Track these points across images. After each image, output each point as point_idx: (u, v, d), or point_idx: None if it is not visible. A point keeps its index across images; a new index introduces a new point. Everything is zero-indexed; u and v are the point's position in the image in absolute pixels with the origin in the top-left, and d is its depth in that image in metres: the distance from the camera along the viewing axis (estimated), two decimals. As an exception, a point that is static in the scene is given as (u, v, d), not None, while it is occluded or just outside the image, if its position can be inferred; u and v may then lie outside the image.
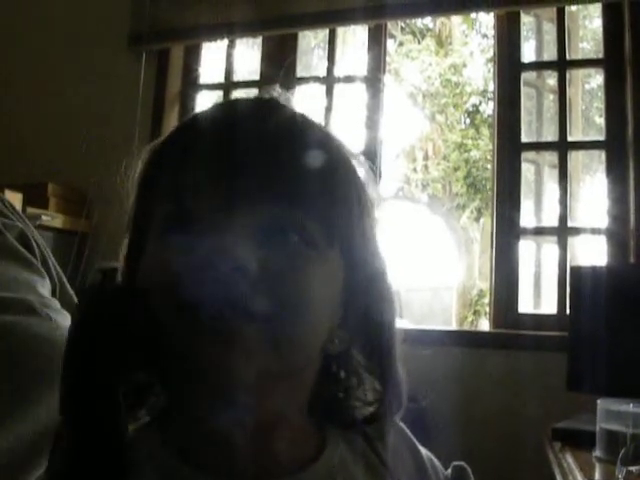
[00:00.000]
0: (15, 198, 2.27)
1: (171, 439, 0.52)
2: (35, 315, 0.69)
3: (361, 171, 0.58)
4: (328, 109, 2.68)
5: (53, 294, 0.78)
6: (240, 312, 0.47)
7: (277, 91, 0.58)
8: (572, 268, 2.11)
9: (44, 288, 0.75)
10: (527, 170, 2.64)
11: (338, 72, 2.77)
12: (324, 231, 0.52)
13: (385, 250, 0.59)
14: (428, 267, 9.42)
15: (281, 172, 0.51)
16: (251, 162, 0.51)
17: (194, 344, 0.48)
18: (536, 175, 2.74)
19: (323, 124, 0.58)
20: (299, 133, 0.54)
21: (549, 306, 2.49)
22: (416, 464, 0.61)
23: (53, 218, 2.47)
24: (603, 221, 2.32)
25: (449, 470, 0.63)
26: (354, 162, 0.58)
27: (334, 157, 0.56)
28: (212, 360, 0.48)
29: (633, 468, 1.17)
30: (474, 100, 8.32)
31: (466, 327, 7.85)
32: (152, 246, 0.53)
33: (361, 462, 0.57)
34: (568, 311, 2.05)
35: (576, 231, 2.45)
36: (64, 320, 0.73)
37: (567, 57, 2.50)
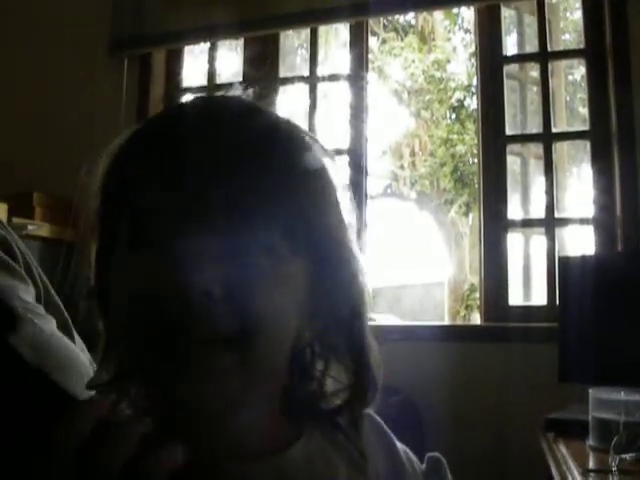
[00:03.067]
0: (0, 208, 2.26)
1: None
2: (18, 320, 0.68)
3: (330, 169, 0.57)
4: (312, 108, 2.68)
5: (37, 300, 0.77)
6: (209, 337, 0.47)
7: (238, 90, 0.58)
8: (560, 259, 2.11)
9: (28, 294, 0.75)
10: (513, 163, 2.65)
11: (321, 71, 2.77)
12: (286, 238, 0.51)
13: (354, 243, 0.58)
14: (419, 263, 9.45)
15: (236, 186, 0.49)
16: (208, 178, 0.49)
17: (163, 372, 0.48)
18: (522, 167, 2.75)
19: (286, 120, 0.57)
20: (253, 139, 0.52)
21: (539, 297, 2.50)
22: (393, 458, 0.61)
23: (39, 227, 2.45)
24: (590, 211, 2.33)
25: (424, 464, 0.63)
26: (321, 160, 0.57)
27: (294, 161, 0.54)
28: (184, 388, 0.48)
29: (626, 456, 1.18)
30: (458, 95, 8.33)
31: (459, 322, 7.87)
32: (118, 263, 0.52)
33: (341, 453, 0.57)
34: (558, 302, 2.06)
35: (563, 222, 2.46)
36: (48, 325, 0.73)
37: (549, 49, 2.51)
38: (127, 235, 0.51)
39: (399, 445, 0.63)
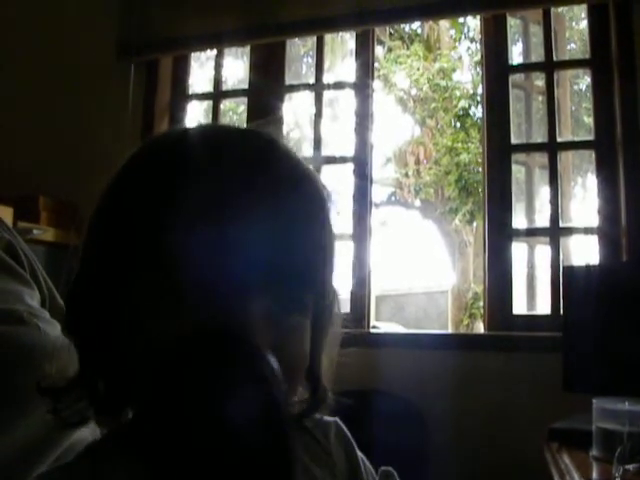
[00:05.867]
0: (6, 212, 2.26)
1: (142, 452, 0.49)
2: (23, 325, 0.69)
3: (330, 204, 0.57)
4: (317, 116, 2.68)
5: (43, 305, 0.78)
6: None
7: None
8: (565, 268, 2.11)
9: (33, 299, 0.75)
10: (518, 172, 2.65)
11: (327, 79, 2.78)
12: (316, 297, 0.54)
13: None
14: (423, 271, 9.44)
15: (279, 253, 0.49)
16: (247, 243, 0.48)
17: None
18: (527, 176, 2.75)
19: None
20: (290, 201, 0.52)
21: (543, 307, 2.49)
22: (351, 462, 0.64)
23: (44, 232, 2.46)
24: (595, 220, 2.33)
25: (377, 476, 0.65)
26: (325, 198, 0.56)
27: (322, 220, 0.55)
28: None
29: (630, 466, 1.17)
30: (463, 104, 8.35)
31: (462, 330, 7.86)
32: (149, 322, 0.50)
33: (312, 455, 0.60)
34: (562, 311, 2.05)
35: (568, 231, 2.45)
36: (53, 330, 0.73)
37: (554, 58, 2.51)
38: (162, 277, 0.50)
39: (358, 453, 0.65)
